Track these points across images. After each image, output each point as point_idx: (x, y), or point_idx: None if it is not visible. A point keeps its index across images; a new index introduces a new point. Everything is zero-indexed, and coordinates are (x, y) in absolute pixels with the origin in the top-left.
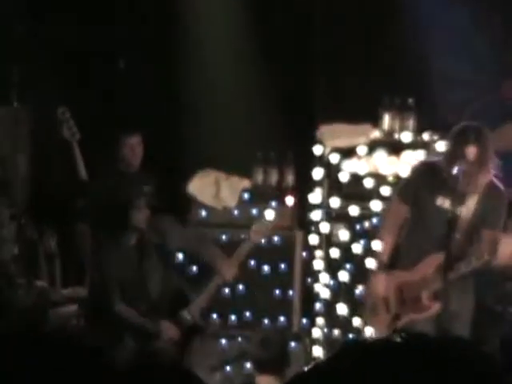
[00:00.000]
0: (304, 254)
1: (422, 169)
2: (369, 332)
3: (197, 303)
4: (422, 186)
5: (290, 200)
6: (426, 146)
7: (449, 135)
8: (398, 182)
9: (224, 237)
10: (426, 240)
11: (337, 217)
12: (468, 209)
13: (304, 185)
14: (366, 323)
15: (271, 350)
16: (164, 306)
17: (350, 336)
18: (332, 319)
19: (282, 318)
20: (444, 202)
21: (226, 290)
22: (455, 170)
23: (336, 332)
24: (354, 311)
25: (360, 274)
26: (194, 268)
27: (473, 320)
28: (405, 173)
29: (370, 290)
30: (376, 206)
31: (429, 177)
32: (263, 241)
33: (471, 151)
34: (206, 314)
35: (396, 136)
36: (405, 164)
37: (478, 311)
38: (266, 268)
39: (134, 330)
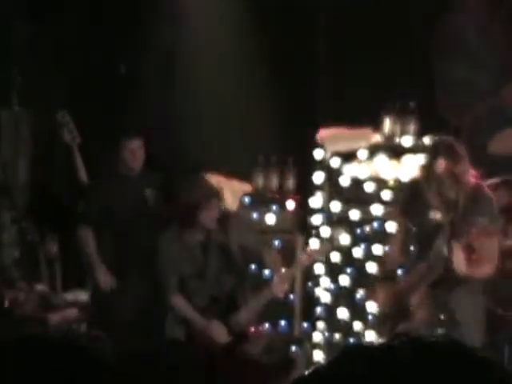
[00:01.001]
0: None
1: (413, 184)
2: (369, 336)
3: (247, 311)
4: (413, 201)
5: (290, 204)
6: (427, 150)
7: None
8: (398, 186)
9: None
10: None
11: (337, 221)
12: (455, 218)
13: (305, 189)
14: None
15: (273, 354)
16: (219, 305)
17: (351, 340)
18: (333, 323)
19: (282, 322)
20: (434, 215)
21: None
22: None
23: (337, 336)
24: (354, 315)
25: (361, 278)
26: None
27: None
28: (405, 177)
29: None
30: (377, 210)
31: (419, 192)
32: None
33: (438, 165)
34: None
35: (397, 140)
36: (406, 168)
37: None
38: (266, 272)
39: (187, 324)
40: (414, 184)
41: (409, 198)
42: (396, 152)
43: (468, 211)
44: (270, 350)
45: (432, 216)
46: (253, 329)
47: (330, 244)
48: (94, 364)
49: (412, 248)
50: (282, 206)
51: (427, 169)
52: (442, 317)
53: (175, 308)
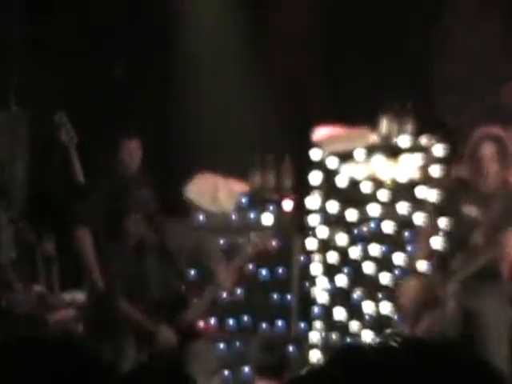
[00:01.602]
0: (302, 258)
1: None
2: (366, 336)
3: (196, 308)
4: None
5: (287, 204)
6: (424, 149)
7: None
8: (395, 186)
9: (222, 241)
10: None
11: (334, 221)
12: (490, 213)
13: (302, 189)
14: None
15: (272, 354)
16: (164, 307)
17: (348, 340)
18: (330, 323)
19: (279, 323)
20: (469, 210)
21: (224, 294)
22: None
23: (334, 336)
24: (351, 315)
25: (358, 279)
26: (193, 271)
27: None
28: (403, 177)
29: (401, 297)
30: (374, 210)
31: (456, 188)
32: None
33: (487, 150)
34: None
35: (394, 140)
36: (403, 168)
37: None
38: (263, 272)
39: (134, 328)
40: (451, 184)
41: (447, 196)
42: (393, 152)
43: (507, 207)
44: (266, 350)
45: (467, 211)
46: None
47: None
48: (94, 367)
49: (443, 245)
50: (279, 206)
51: (468, 160)
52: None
53: (122, 313)
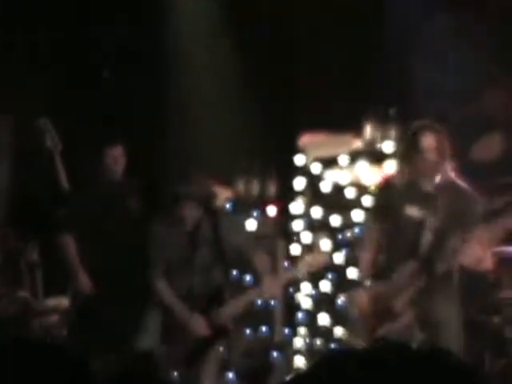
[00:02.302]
0: (286, 263)
1: (388, 183)
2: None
3: (232, 306)
4: (389, 198)
5: (271, 210)
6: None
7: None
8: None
9: None
10: (400, 250)
11: (318, 227)
12: (436, 213)
13: (286, 195)
14: (350, 338)
15: (254, 359)
16: (202, 299)
17: (332, 346)
18: (314, 329)
19: (264, 328)
20: (410, 211)
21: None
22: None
23: (318, 342)
24: (335, 321)
25: (342, 284)
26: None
27: (463, 333)
28: None
29: (352, 306)
30: (358, 215)
31: (395, 187)
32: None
33: (427, 141)
34: None
35: (378, 146)
36: (386, 174)
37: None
38: (247, 278)
39: (164, 310)
40: (385, 185)
41: (381, 199)
42: (377, 158)
43: (454, 206)
44: (250, 355)
45: (408, 212)
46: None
47: (325, 255)
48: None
49: (388, 250)
50: (263, 212)
51: (405, 156)
52: (423, 321)
53: (158, 293)
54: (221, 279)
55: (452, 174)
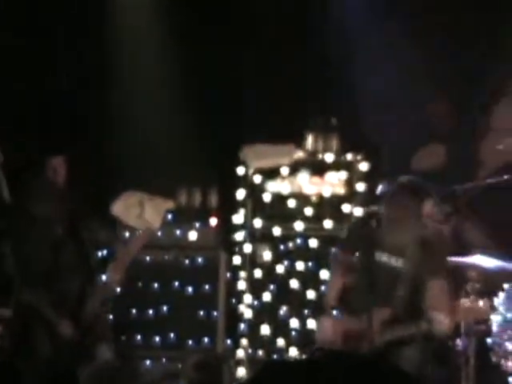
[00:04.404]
0: (228, 274)
1: (362, 221)
2: (292, 352)
3: (89, 305)
4: (362, 238)
5: (213, 221)
6: (350, 166)
7: (396, 189)
8: (321, 203)
9: (148, 258)
10: (372, 292)
11: (260, 237)
12: (408, 263)
13: (228, 205)
14: None
15: (205, 372)
16: (70, 301)
17: (274, 356)
18: (256, 340)
19: (206, 339)
20: (382, 257)
21: (150, 312)
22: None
23: (260, 352)
24: (277, 332)
25: (283, 295)
26: None
27: None
28: (328, 193)
29: (319, 334)
30: (299, 226)
31: (367, 230)
32: (187, 261)
33: (427, 207)
34: (130, 334)
35: (319, 156)
36: (328, 184)
37: None
38: (189, 289)
39: (41, 320)
40: (365, 219)
41: (358, 229)
42: (319, 168)
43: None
44: (199, 368)
45: (383, 259)
46: None
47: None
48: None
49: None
50: (205, 223)
51: (393, 207)
52: None
53: (30, 302)
54: (84, 280)
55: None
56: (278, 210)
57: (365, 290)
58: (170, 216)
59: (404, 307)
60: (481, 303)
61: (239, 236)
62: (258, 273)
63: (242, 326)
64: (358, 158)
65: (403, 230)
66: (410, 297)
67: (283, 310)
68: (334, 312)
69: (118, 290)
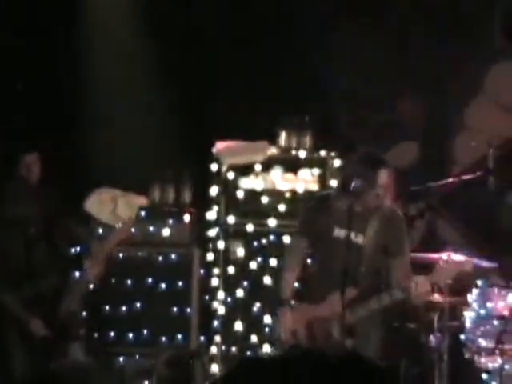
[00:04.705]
0: (201, 271)
1: (316, 203)
2: (266, 349)
3: (66, 302)
4: (318, 220)
5: (187, 217)
6: (323, 163)
7: (354, 161)
8: (295, 199)
9: (121, 254)
10: (333, 273)
11: (234, 234)
12: (369, 238)
13: (201, 202)
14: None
15: (176, 369)
16: (42, 299)
17: (248, 353)
18: (229, 336)
19: (179, 336)
20: (341, 234)
21: (124, 308)
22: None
23: (234, 349)
24: (250, 328)
25: (256, 291)
26: None
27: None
28: (301, 189)
29: (280, 326)
30: (273, 222)
31: (323, 210)
32: (160, 258)
33: (383, 175)
34: (103, 330)
35: (293, 153)
36: (302, 181)
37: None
38: (163, 285)
39: (12, 319)
40: (320, 199)
41: (310, 219)
42: (292, 165)
43: (389, 233)
44: (171, 365)
45: (337, 234)
46: None
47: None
48: None
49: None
50: (179, 220)
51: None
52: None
53: (1, 301)
54: (58, 277)
55: (389, 202)
56: (251, 207)
57: (326, 274)
58: (143, 213)
59: (369, 282)
60: (462, 257)
61: (212, 232)
62: (231, 269)
63: (216, 322)
64: (332, 154)
65: (361, 204)
66: (373, 271)
67: (256, 306)
68: (293, 302)
69: (92, 286)
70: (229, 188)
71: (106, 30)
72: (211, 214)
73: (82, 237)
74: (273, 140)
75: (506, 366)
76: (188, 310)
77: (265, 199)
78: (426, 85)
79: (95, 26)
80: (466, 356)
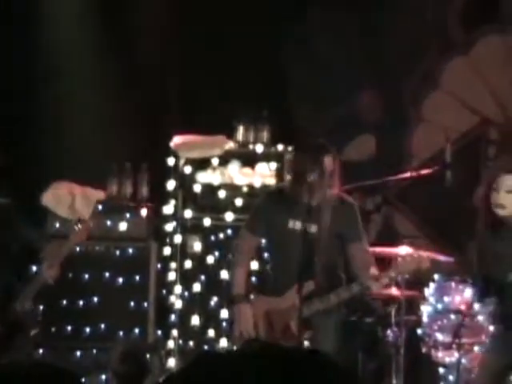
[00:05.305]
0: (158, 265)
1: (267, 198)
2: (223, 343)
3: (22, 299)
4: (270, 214)
5: (144, 211)
6: (280, 157)
7: (301, 150)
8: (252, 193)
9: (78, 248)
10: (290, 266)
11: (191, 228)
12: (323, 227)
13: (158, 196)
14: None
15: (131, 363)
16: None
17: (205, 347)
18: (186, 330)
19: (136, 330)
20: (295, 225)
21: (81, 302)
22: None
23: (191, 343)
24: (207, 322)
25: (213, 285)
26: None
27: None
28: (259, 184)
29: (236, 321)
30: (230, 217)
31: (275, 203)
32: (117, 252)
33: (328, 163)
34: (60, 324)
35: (250, 147)
36: (259, 175)
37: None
38: (120, 280)
39: None
40: (271, 192)
41: (259, 212)
42: (249, 159)
43: (339, 222)
44: (127, 359)
45: (291, 226)
46: None
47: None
48: None
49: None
50: (136, 214)
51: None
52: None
53: None
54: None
55: (336, 191)
56: (208, 201)
57: (283, 266)
58: (100, 207)
59: (326, 274)
60: (422, 252)
61: (169, 227)
62: (188, 263)
63: (173, 316)
64: (289, 149)
65: (312, 193)
66: (331, 263)
67: (213, 300)
68: (252, 296)
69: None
70: (186, 182)
71: (57, 27)
72: (168, 208)
73: (32, 238)
74: (230, 134)
75: (463, 361)
76: (145, 304)
77: (222, 193)
78: (382, 77)
79: (46, 24)
80: (423, 350)
